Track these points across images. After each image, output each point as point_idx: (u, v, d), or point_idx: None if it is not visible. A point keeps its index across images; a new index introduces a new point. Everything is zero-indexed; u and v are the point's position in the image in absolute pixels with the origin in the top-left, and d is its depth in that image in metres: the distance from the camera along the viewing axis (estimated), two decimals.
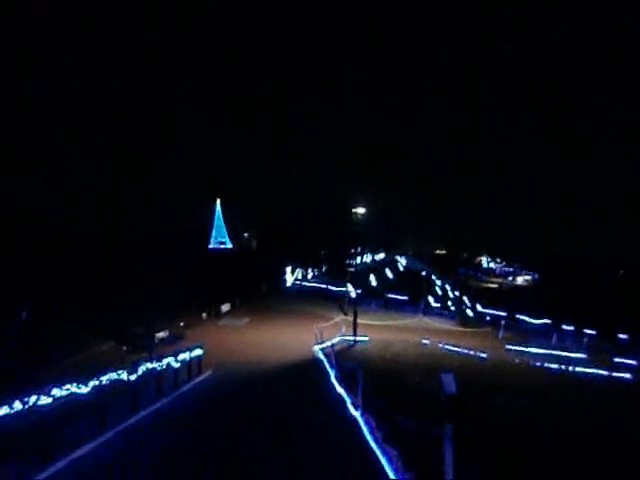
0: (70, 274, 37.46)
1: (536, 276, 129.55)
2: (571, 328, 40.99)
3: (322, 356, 20.84)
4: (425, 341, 28.09)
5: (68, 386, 9.12)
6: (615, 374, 24.11)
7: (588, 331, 39.03)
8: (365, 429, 8.74)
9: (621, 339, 37.77)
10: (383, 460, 7.04)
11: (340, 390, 12.72)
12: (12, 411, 7.74)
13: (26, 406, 7.98)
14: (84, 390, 9.42)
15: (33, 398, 8.20)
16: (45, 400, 8.42)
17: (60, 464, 7.37)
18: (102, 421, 9.23)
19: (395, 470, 6.56)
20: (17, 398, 7.93)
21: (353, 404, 10.53)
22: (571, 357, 29.09)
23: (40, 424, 7.92)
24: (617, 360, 28.88)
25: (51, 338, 23.79)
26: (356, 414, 9.81)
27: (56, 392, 8.73)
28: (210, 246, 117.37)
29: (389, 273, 79.33)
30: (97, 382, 9.80)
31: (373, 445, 7.79)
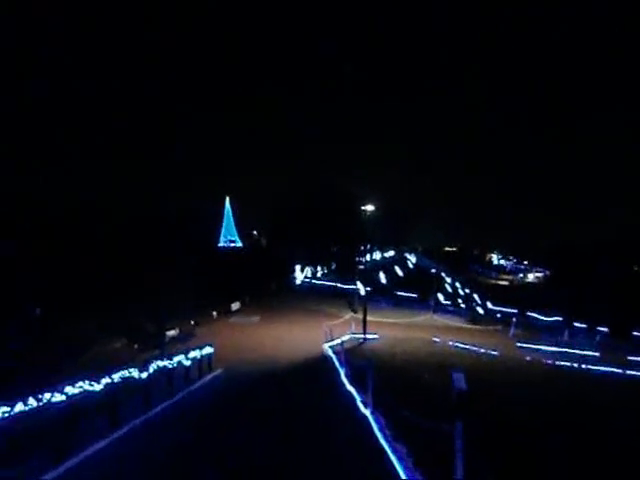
0: (78, 274, 37.90)
1: (547, 273, 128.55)
2: (583, 325, 40.64)
3: (332, 354, 20.87)
4: (435, 339, 28.02)
5: (81, 384, 9.23)
6: (629, 372, 23.85)
7: (601, 328, 38.69)
8: (375, 427, 8.76)
9: (635, 336, 37.39)
10: (393, 458, 7.05)
11: (350, 388, 12.73)
12: (27, 408, 7.86)
13: (40, 403, 8.10)
14: (96, 388, 9.52)
15: (47, 395, 8.32)
16: (59, 397, 8.53)
17: (73, 461, 7.47)
18: (114, 419, 9.35)
19: (405, 468, 6.57)
20: (31, 395, 8.04)
21: (363, 402, 10.54)
22: (583, 354, 28.84)
23: (54, 421, 8.04)
24: (631, 358, 28.59)
25: (63, 336, 24.08)
26: (366, 412, 9.83)
27: (69, 390, 8.85)
28: (220, 244, 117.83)
29: (399, 270, 79.14)
30: (109, 380, 9.90)
31: (383, 443, 7.80)
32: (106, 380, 9.81)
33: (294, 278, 55.85)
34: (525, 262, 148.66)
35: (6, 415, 7.39)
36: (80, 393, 9.04)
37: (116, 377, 10.21)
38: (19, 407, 7.72)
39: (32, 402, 7.99)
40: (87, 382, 9.38)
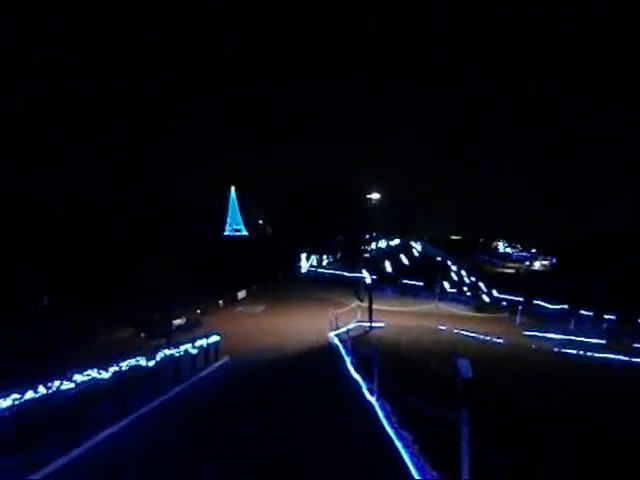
0: (82, 268, 38.19)
1: (554, 261, 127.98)
2: (590, 313, 40.53)
3: (338, 342, 20.95)
4: (441, 327, 28.03)
5: (89, 372, 9.34)
6: (635, 359, 23.79)
7: (607, 316, 38.56)
8: (381, 414, 8.81)
9: None
10: (399, 445, 7.09)
11: (356, 376, 12.80)
12: (37, 395, 7.97)
13: (50, 391, 8.20)
14: (105, 376, 9.63)
15: (56, 383, 8.43)
16: (68, 385, 8.64)
17: (83, 447, 7.58)
18: (122, 406, 9.47)
19: (411, 454, 6.61)
20: (41, 383, 8.15)
21: (369, 389, 10.60)
22: (590, 342, 28.78)
23: (64, 408, 8.15)
24: (638, 345, 28.52)
25: (70, 327, 24.27)
26: (372, 399, 9.88)
27: (78, 378, 8.95)
28: (225, 233, 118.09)
29: (404, 259, 79.01)
30: (117, 368, 10.00)
31: (389, 430, 7.85)
32: (114, 368, 9.91)
33: (300, 267, 55.92)
34: (533, 250, 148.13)
35: (16, 402, 7.50)
36: (89, 381, 9.15)
37: (124, 365, 10.31)
38: (29, 394, 7.83)
39: (42, 390, 8.11)
40: (96, 370, 9.48)
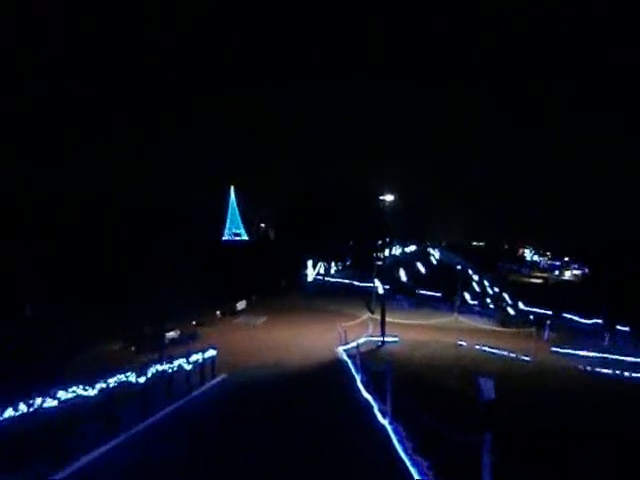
0: (86, 264, 38.85)
1: (586, 271, 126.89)
2: (626, 328, 40.06)
3: (347, 358, 20.88)
4: (461, 342, 27.88)
5: (74, 388, 9.34)
6: None
7: None
8: (394, 438, 8.75)
9: None
10: (414, 471, 7.04)
11: (367, 396, 12.74)
12: (17, 413, 7.99)
13: (31, 409, 8.22)
14: (91, 393, 9.63)
15: (38, 400, 8.45)
16: (50, 403, 8.65)
17: (65, 472, 7.58)
18: (107, 428, 9.46)
19: None
20: (22, 400, 8.17)
21: (381, 411, 10.54)
22: (626, 361, 28.46)
23: (43, 429, 8.16)
24: None
25: (58, 337, 24.45)
26: (384, 422, 9.82)
27: (62, 395, 8.96)
28: (224, 238, 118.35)
29: (421, 267, 78.84)
30: (104, 385, 10.01)
31: (403, 456, 7.80)
32: (101, 385, 9.92)
33: (305, 275, 55.91)
34: (566, 258, 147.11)
35: None
36: (73, 398, 9.15)
37: (112, 382, 10.32)
38: (8, 412, 7.86)
39: (22, 407, 8.13)
40: (81, 387, 9.49)
